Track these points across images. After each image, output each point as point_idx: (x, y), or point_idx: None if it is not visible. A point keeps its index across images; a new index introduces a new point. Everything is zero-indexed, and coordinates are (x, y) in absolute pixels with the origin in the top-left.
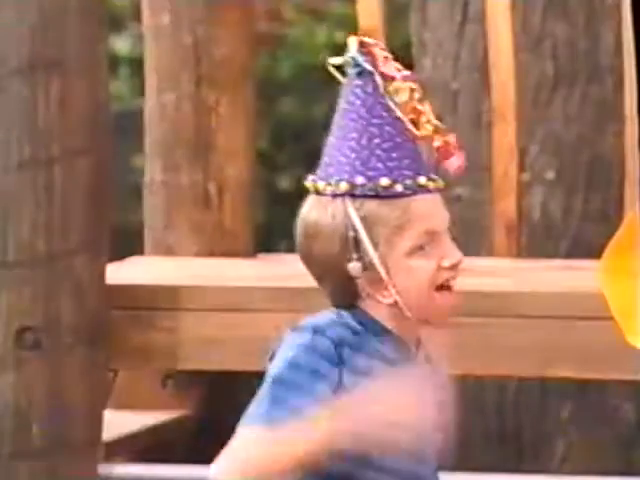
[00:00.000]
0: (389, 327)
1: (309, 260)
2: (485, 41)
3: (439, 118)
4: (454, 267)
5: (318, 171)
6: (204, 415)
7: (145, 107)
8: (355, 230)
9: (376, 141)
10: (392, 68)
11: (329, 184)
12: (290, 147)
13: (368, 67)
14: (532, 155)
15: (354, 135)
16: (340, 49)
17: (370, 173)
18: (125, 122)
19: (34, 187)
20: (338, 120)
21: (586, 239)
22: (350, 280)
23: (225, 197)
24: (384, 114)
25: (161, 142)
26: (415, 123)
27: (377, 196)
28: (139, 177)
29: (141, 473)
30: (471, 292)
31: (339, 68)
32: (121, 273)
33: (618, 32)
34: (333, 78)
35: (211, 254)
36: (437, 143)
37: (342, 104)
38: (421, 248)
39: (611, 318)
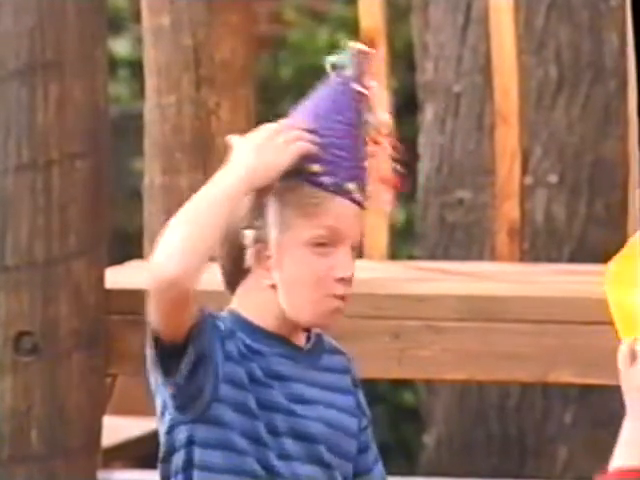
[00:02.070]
0: (263, 323)
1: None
2: (488, 44)
3: (442, 121)
4: (344, 281)
5: None
6: None
7: (145, 110)
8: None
9: (329, 132)
10: (370, 90)
11: None
12: None
13: (354, 72)
14: (535, 158)
15: (311, 117)
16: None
17: (309, 157)
18: (124, 125)
19: (32, 190)
20: (304, 103)
21: (590, 243)
22: (239, 251)
23: None
24: (349, 114)
25: (161, 145)
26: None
27: (305, 179)
28: (138, 180)
29: (140, 479)
30: (473, 296)
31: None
32: (120, 277)
33: (622, 34)
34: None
35: (211, 258)
36: (384, 169)
37: (316, 92)
38: (320, 245)
39: (614, 323)
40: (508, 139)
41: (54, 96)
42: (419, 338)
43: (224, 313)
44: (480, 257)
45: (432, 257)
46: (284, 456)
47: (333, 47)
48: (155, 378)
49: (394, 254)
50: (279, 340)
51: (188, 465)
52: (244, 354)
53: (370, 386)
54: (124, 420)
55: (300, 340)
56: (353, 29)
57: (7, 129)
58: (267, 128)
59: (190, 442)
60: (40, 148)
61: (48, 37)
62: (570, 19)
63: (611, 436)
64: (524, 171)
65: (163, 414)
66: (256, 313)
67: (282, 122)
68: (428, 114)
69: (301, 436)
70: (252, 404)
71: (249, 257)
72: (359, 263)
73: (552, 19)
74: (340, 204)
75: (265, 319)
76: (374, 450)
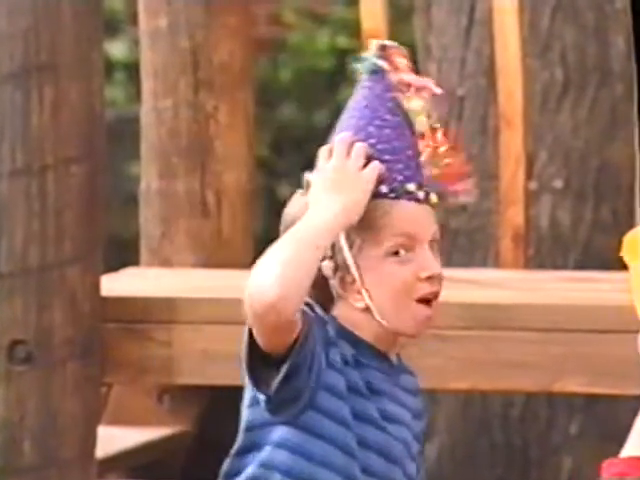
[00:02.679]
0: (363, 335)
1: None
2: (492, 46)
3: (445, 124)
4: (431, 280)
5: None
6: (202, 432)
7: (141, 113)
8: None
9: (371, 141)
10: (410, 76)
11: None
12: (291, 154)
13: (380, 67)
14: (540, 163)
15: (350, 133)
16: (342, 54)
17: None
18: (121, 129)
19: (27, 196)
20: (341, 118)
21: (596, 249)
22: (324, 281)
23: (223, 206)
24: (387, 117)
25: (158, 149)
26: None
27: None
28: (135, 185)
29: None
30: (477, 304)
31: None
32: (116, 284)
33: (628, 36)
34: (335, 84)
35: (209, 265)
36: (447, 161)
37: (350, 103)
38: (396, 253)
39: (622, 331)
40: (512, 143)
41: (49, 99)
42: (423, 346)
43: (327, 317)
44: (484, 264)
45: None
46: (368, 471)
47: (333, 50)
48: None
49: None
50: (378, 354)
51: (268, 466)
52: (348, 362)
53: None
54: (119, 430)
55: (392, 356)
56: (354, 31)
57: (1, 133)
58: (336, 157)
59: (277, 444)
60: (35, 153)
61: (43, 39)
62: (575, 21)
63: (619, 448)
64: (529, 176)
65: (250, 406)
66: (357, 328)
67: (339, 142)
68: None
69: (385, 454)
70: (347, 414)
71: (335, 287)
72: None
73: (557, 21)
74: (404, 208)
75: (364, 334)
76: (422, 477)
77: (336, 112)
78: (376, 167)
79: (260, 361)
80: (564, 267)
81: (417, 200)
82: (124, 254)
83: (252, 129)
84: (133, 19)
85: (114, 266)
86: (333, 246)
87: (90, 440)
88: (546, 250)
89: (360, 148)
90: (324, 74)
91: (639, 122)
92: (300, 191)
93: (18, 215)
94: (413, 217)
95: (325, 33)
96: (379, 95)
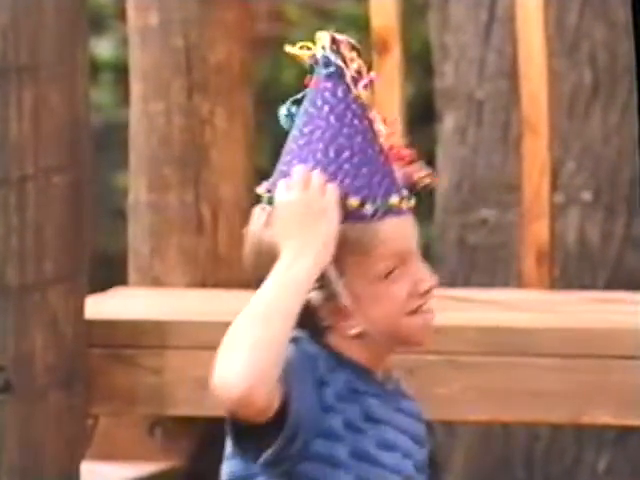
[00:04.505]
0: (357, 360)
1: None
2: (514, 45)
3: (463, 131)
4: (427, 293)
5: (272, 179)
6: (195, 467)
7: (130, 119)
8: None
9: (345, 155)
10: (358, 70)
11: None
12: None
13: (340, 68)
14: (567, 173)
15: (321, 146)
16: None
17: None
18: (107, 135)
19: (4, 209)
20: (301, 125)
21: (627, 268)
22: (310, 311)
23: (220, 221)
24: (355, 122)
25: (148, 158)
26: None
27: (347, 219)
28: (123, 198)
29: None
30: (497, 328)
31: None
32: (102, 306)
33: None
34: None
35: (204, 285)
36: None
37: (308, 107)
38: (390, 273)
39: None
40: (537, 151)
41: (29, 104)
42: (437, 374)
43: (317, 349)
44: (505, 284)
45: (451, 284)
46: None
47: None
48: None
49: None
50: (374, 379)
51: None
52: (342, 397)
53: None
54: (106, 466)
55: (387, 379)
56: (363, 28)
57: None
58: (292, 192)
59: None
60: (13, 162)
61: (22, 38)
62: (606, 17)
63: None
64: (554, 188)
65: (232, 458)
66: (351, 353)
67: (297, 174)
68: (447, 124)
69: None
70: (344, 455)
71: (326, 317)
72: None
73: (586, 17)
74: (392, 225)
75: (360, 358)
76: None
77: None
78: (335, 190)
79: (245, 428)
80: (593, 287)
81: (401, 213)
82: (111, 273)
83: (252, 136)
84: (121, 15)
85: (100, 286)
86: (322, 276)
87: (74, 477)
88: (573, 269)
89: (316, 175)
90: None
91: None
92: (261, 206)
93: None
94: (401, 232)
95: (331, 31)
96: (342, 98)
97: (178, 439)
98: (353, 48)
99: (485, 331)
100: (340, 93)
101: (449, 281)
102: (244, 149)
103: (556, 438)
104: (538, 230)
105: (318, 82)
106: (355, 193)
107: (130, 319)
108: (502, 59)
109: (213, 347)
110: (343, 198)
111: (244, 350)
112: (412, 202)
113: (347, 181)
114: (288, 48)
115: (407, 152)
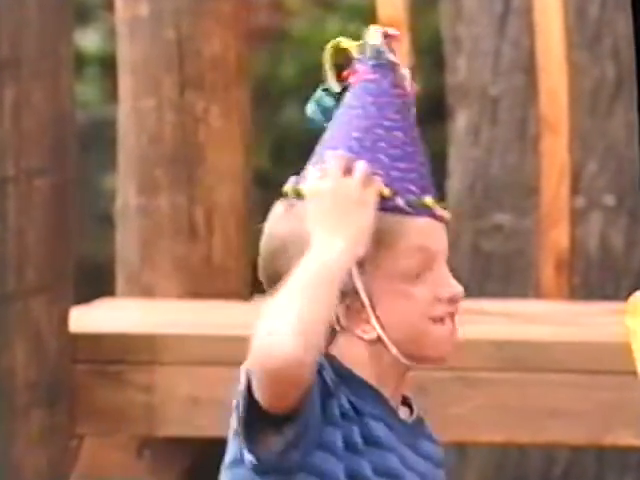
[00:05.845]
0: (366, 376)
1: (275, 285)
2: (531, 36)
3: (476, 130)
4: (453, 301)
5: (305, 172)
6: None
7: (118, 116)
8: None
9: (381, 145)
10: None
11: None
12: (294, 164)
13: (390, 62)
14: (588, 175)
15: (356, 135)
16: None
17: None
18: (94, 134)
19: None
20: (341, 115)
21: None
22: None
23: (215, 226)
24: (397, 117)
25: (137, 158)
26: None
27: (376, 208)
28: (110, 201)
29: None
30: (513, 342)
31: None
32: (88, 319)
33: None
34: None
35: (198, 295)
36: None
37: (349, 99)
38: (415, 274)
39: None
40: (556, 152)
41: (10, 100)
42: (448, 392)
43: (324, 360)
44: (522, 294)
45: (464, 294)
46: None
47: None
48: (235, 429)
49: None
50: (383, 401)
51: None
52: (346, 414)
53: None
54: None
55: (403, 410)
56: (368, 19)
57: None
58: (330, 179)
59: None
60: None
61: (4, 30)
62: (630, 7)
63: None
64: (575, 191)
65: (231, 467)
66: (360, 367)
67: (334, 162)
68: (459, 122)
69: None
70: (340, 474)
71: (341, 315)
72: None
73: (609, 7)
74: (421, 225)
75: (370, 374)
76: None
77: None
78: (378, 183)
79: (256, 419)
80: (615, 298)
81: (434, 217)
82: (97, 283)
83: (249, 135)
84: (108, 5)
85: (86, 297)
86: None
87: None
88: (595, 278)
89: (361, 165)
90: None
91: (639, 123)
92: (285, 201)
93: None
94: (432, 233)
95: (334, 21)
96: (386, 91)
97: (168, 461)
98: (394, 39)
99: (500, 345)
100: (386, 85)
101: None
102: (241, 149)
103: (575, 461)
104: (557, 236)
105: (363, 74)
106: (389, 184)
107: (118, 332)
108: (518, 52)
109: (207, 363)
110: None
111: (294, 318)
112: (446, 214)
113: (381, 171)
114: (333, 41)
115: None
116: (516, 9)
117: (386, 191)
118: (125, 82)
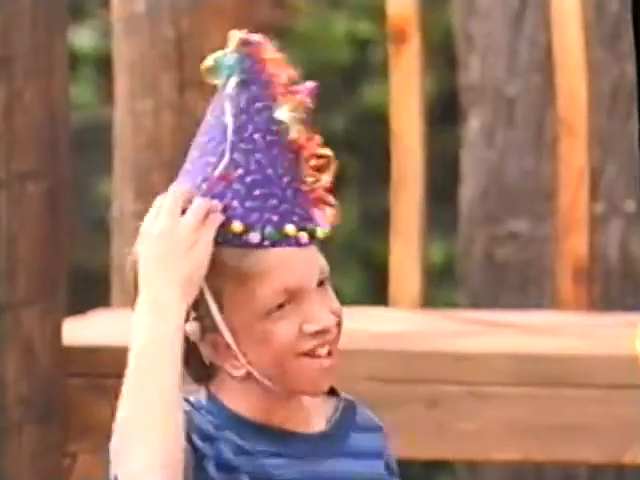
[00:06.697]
0: (250, 412)
1: None
2: (548, 34)
3: (490, 132)
4: (320, 334)
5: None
6: None
7: (114, 118)
8: None
9: (239, 172)
10: (282, 76)
11: None
12: None
13: (243, 75)
14: (608, 179)
15: (212, 160)
16: (362, 44)
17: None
18: (89, 137)
19: None
20: (200, 136)
21: None
22: (194, 347)
23: None
24: (256, 136)
25: (134, 162)
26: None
27: (224, 242)
28: (105, 207)
29: None
30: (529, 355)
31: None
32: (82, 330)
33: None
34: (354, 80)
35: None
36: (316, 181)
37: (208, 116)
38: (279, 307)
39: None
40: (574, 155)
41: (1, 100)
42: (460, 407)
43: (202, 399)
44: (538, 305)
45: (477, 305)
46: None
47: (352, 39)
48: None
49: (429, 301)
50: (273, 435)
51: None
52: (238, 454)
53: (398, 466)
54: None
55: (307, 425)
56: (377, 17)
57: None
58: (161, 221)
59: None
60: None
61: None
62: None
63: None
64: (594, 196)
65: None
66: (241, 403)
67: (169, 200)
68: (473, 124)
69: None
70: None
71: (205, 353)
72: (385, 312)
73: (629, 3)
74: (281, 258)
75: (255, 408)
76: None
77: (355, 114)
78: (217, 221)
79: None
80: (637, 309)
81: (298, 244)
82: (92, 293)
83: None
84: (104, 2)
85: (80, 307)
86: (199, 305)
87: None
88: (615, 288)
89: (197, 203)
90: (340, 68)
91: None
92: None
93: None
94: (294, 266)
95: (342, 19)
96: (245, 109)
97: None
98: (274, 50)
99: (514, 359)
100: (243, 102)
101: (473, 302)
102: None
103: (594, 479)
104: (575, 244)
105: (221, 89)
106: (241, 218)
107: (114, 345)
108: (535, 50)
109: None
110: (226, 222)
111: (151, 451)
112: (318, 232)
113: (234, 203)
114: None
115: (326, 196)
116: (532, 5)
117: (237, 226)
118: (121, 82)
